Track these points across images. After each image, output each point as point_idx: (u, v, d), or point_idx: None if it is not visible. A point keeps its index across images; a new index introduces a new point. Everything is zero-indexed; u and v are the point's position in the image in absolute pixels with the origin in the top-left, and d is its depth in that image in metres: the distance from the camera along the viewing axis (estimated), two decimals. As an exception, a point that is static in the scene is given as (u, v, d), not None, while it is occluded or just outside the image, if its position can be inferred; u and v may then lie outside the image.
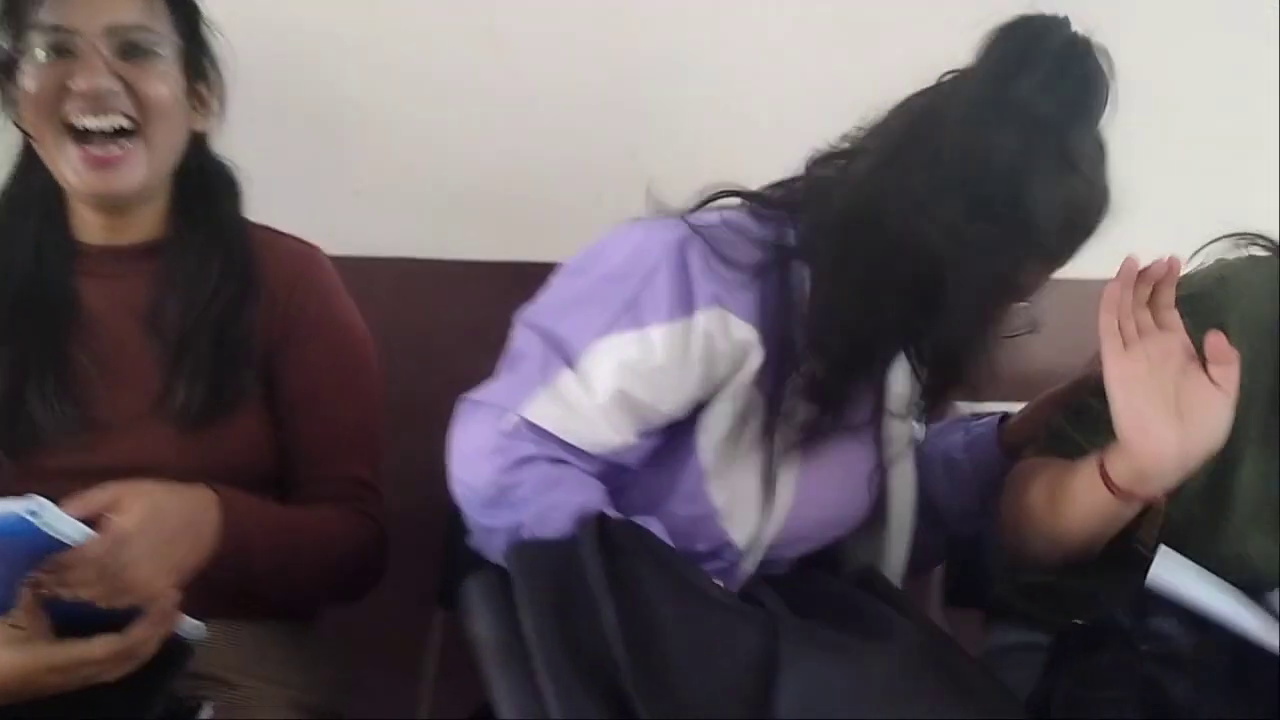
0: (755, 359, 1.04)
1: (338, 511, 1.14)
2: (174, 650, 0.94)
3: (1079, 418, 1.12)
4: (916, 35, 1.34)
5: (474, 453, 1.04)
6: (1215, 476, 1.08)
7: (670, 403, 1.05)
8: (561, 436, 1.04)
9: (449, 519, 1.25)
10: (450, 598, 1.10)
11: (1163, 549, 1.03)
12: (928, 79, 1.04)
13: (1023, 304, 1.05)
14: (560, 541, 0.98)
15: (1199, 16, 1.63)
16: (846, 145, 1.08)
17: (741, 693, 0.90)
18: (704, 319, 1.02)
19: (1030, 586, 1.24)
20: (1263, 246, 1.15)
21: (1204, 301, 1.07)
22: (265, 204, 1.20)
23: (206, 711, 1.00)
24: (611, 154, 1.43)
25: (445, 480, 1.14)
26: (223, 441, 1.10)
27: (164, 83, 1.09)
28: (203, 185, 1.16)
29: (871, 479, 1.16)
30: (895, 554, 1.19)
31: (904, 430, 1.17)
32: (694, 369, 1.04)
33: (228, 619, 1.08)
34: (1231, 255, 1.15)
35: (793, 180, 1.10)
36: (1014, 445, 1.22)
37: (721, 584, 1.03)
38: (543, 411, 1.03)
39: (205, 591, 0.97)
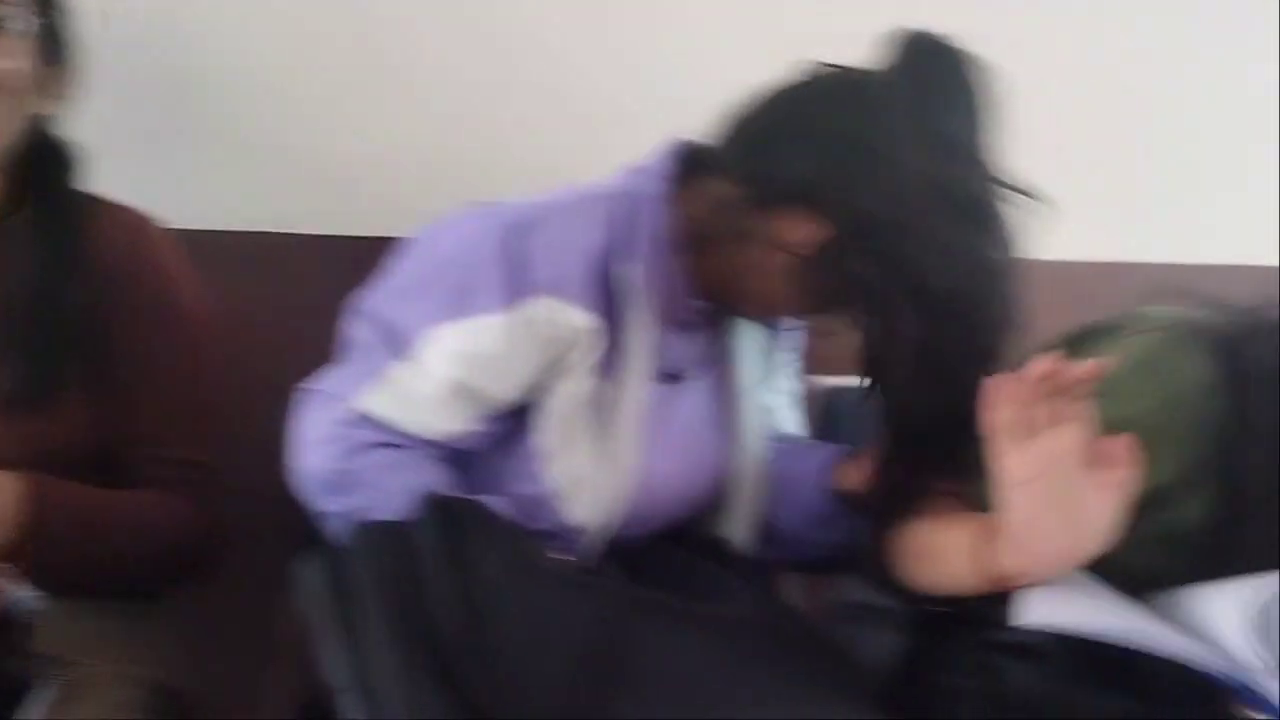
0: (595, 344, 1.06)
1: (165, 496, 1.12)
2: (6, 627, 0.93)
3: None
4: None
5: (312, 441, 1.06)
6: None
7: (507, 389, 1.06)
8: (399, 426, 1.05)
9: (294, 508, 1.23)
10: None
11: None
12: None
13: None
14: (400, 522, 0.98)
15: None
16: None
17: (572, 663, 0.91)
18: (537, 306, 1.04)
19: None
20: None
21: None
22: (111, 177, 1.18)
23: (45, 690, 0.99)
24: (467, 134, 1.42)
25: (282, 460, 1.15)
26: (44, 424, 1.07)
27: (10, 59, 1.05)
28: (40, 165, 1.12)
29: (720, 460, 1.19)
30: (740, 528, 1.21)
31: (754, 413, 1.20)
32: (529, 356, 1.05)
33: (69, 598, 1.06)
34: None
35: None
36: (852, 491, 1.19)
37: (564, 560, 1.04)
38: (378, 401, 1.05)
39: (43, 570, 0.95)
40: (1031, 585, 0.93)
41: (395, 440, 1.05)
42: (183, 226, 1.21)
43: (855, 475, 1.17)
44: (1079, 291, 1.61)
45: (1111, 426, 0.91)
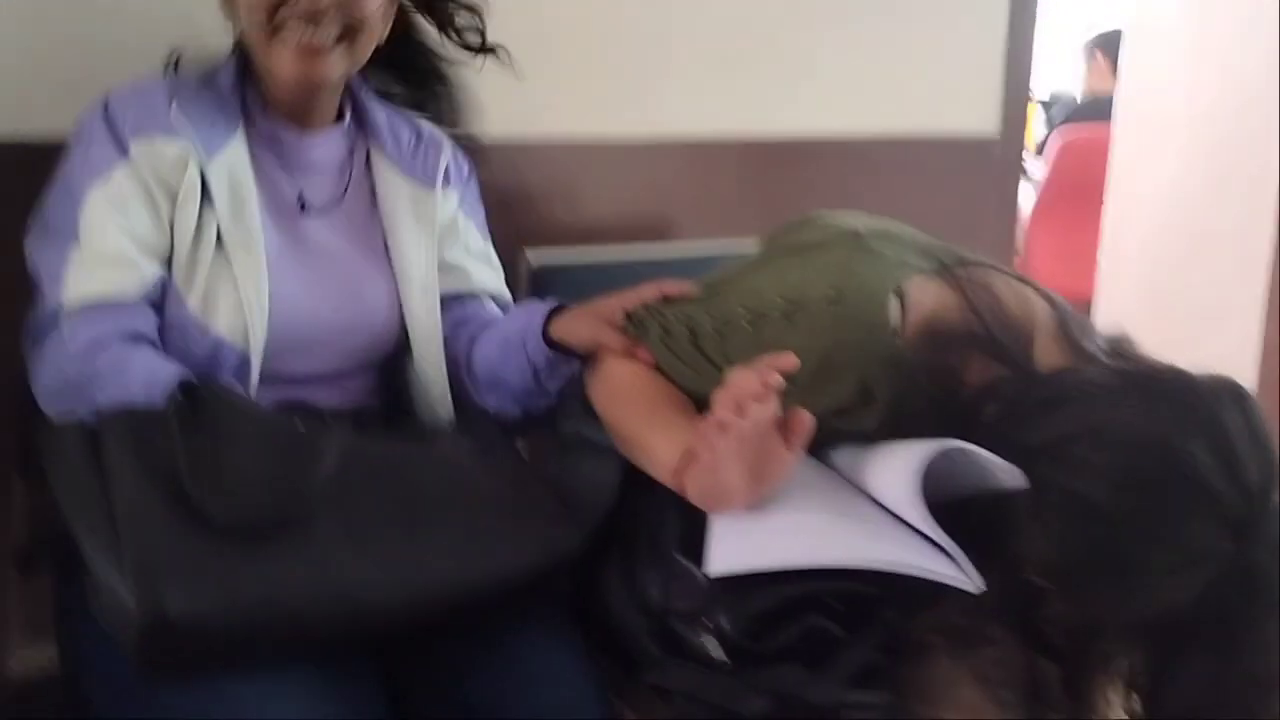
0: (193, 168, 1.21)
1: None
2: None
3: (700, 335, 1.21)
4: None
5: (46, 360, 1.17)
6: None
7: (161, 224, 1.21)
8: (106, 299, 1.17)
9: (24, 390, 1.28)
10: (28, 468, 1.19)
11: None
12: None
13: None
14: (145, 404, 1.10)
15: None
16: None
17: (287, 473, 1.04)
18: (136, 149, 1.20)
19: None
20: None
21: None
22: None
23: None
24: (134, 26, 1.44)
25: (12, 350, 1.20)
26: None
27: None
28: None
29: (372, 292, 1.33)
30: (432, 381, 1.36)
31: (412, 245, 1.35)
32: (157, 189, 1.20)
33: None
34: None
35: None
36: (557, 342, 1.32)
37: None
38: (76, 286, 1.17)
39: None
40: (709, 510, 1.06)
41: (118, 327, 1.17)
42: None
43: (569, 326, 1.31)
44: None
45: (806, 356, 1.06)
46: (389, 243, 1.35)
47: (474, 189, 1.47)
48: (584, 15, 1.79)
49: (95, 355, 1.15)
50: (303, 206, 1.31)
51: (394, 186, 1.37)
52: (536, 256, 1.61)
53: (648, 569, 1.13)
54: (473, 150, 1.48)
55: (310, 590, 1.00)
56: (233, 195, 1.23)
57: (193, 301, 1.22)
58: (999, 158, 2.14)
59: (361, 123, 1.38)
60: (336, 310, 1.30)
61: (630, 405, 1.21)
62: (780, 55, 1.90)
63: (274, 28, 1.21)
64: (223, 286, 1.22)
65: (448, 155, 1.42)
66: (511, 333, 1.36)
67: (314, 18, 1.20)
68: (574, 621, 1.19)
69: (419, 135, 1.42)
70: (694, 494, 1.07)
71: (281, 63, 1.22)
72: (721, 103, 1.85)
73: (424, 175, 1.38)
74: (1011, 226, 2.20)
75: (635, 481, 1.17)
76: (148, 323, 1.20)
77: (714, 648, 1.06)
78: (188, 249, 1.21)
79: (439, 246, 1.40)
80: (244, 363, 1.23)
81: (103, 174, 1.19)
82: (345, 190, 1.35)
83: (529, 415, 1.40)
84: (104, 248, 1.18)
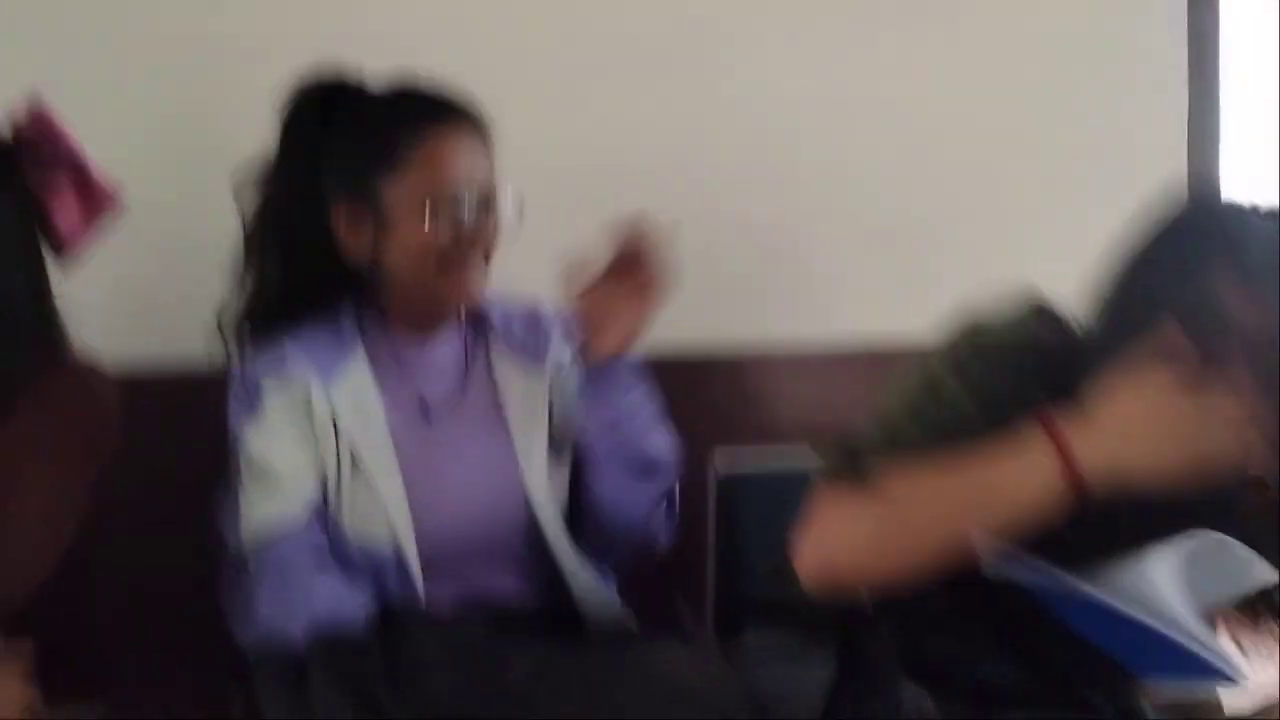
0: (319, 395, 1.31)
1: None
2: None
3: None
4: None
5: (245, 614, 1.27)
6: None
7: (309, 450, 1.31)
8: (279, 520, 1.27)
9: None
10: (244, 677, 1.27)
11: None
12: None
13: None
14: (346, 629, 1.19)
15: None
16: None
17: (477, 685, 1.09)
18: (269, 386, 1.31)
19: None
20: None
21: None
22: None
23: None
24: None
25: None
26: None
27: None
28: None
29: (502, 479, 1.37)
30: (560, 555, 1.37)
31: (529, 423, 1.39)
32: (297, 417, 1.31)
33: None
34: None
35: None
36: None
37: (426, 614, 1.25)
38: (253, 518, 1.28)
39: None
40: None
41: (290, 550, 1.27)
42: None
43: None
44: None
45: None
46: (509, 428, 1.40)
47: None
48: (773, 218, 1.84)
49: (284, 580, 1.25)
50: (426, 410, 1.38)
51: (509, 372, 1.42)
52: (724, 464, 1.61)
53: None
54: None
55: None
56: (359, 415, 1.33)
57: (346, 521, 1.30)
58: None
59: (476, 318, 1.44)
60: (468, 501, 1.35)
61: (927, 475, 1.05)
62: (959, 257, 1.91)
63: (444, 265, 1.32)
64: (365, 501, 1.31)
65: (558, 325, 1.45)
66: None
67: (478, 251, 1.33)
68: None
69: (533, 318, 1.46)
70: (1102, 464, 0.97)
71: (452, 291, 1.34)
72: (903, 307, 1.84)
73: (534, 351, 1.44)
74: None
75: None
76: (320, 539, 1.29)
77: None
78: (334, 472, 1.31)
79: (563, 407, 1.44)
80: (403, 568, 1.30)
81: (252, 415, 1.31)
82: (462, 385, 1.41)
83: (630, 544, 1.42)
84: (267, 472, 1.29)
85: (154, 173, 1.55)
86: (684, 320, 1.52)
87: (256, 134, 1.40)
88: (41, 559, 1.20)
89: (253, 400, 1.32)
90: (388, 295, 1.37)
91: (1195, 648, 0.94)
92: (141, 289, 1.61)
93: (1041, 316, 1.13)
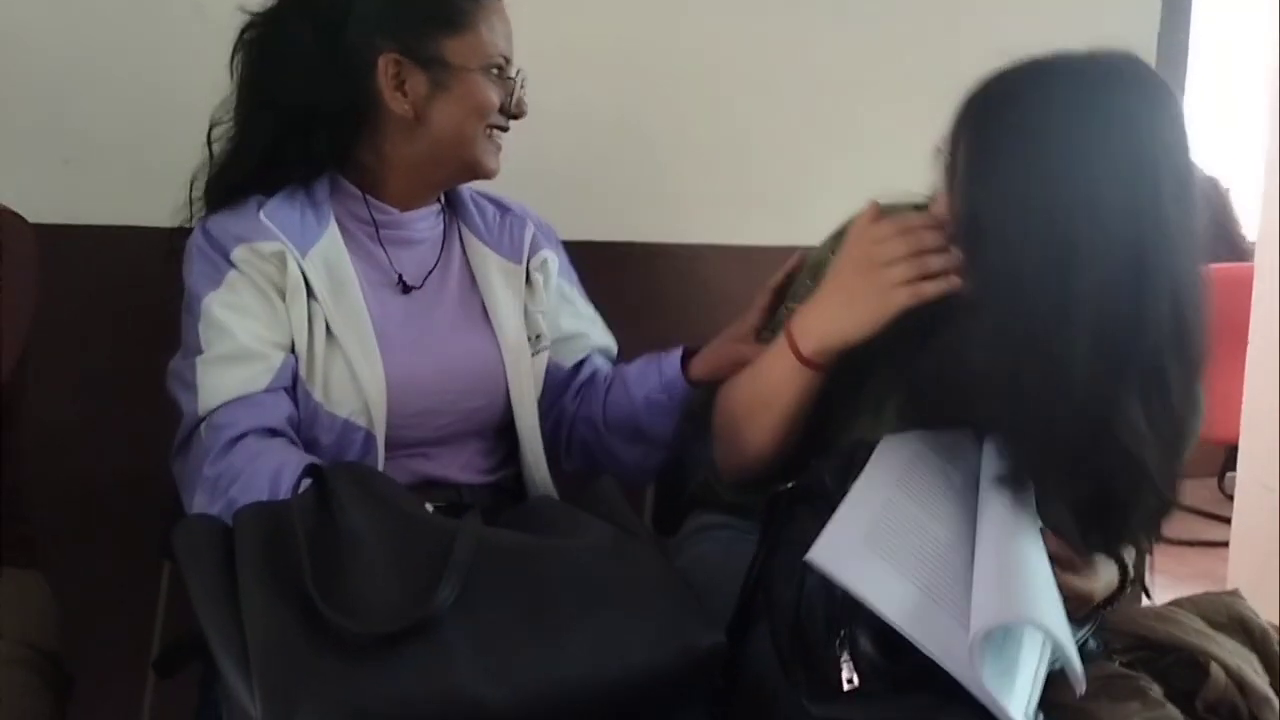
0: (292, 264, 1.27)
1: None
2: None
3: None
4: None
5: (193, 483, 1.21)
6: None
7: (278, 320, 1.27)
8: (243, 393, 1.22)
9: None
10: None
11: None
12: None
13: None
14: (273, 502, 1.12)
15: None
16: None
17: (414, 583, 1.01)
18: (239, 255, 1.27)
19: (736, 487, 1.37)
20: None
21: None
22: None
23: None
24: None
25: (158, 444, 1.22)
26: None
27: None
28: None
29: (481, 360, 1.38)
30: (529, 448, 1.40)
31: (508, 314, 1.40)
32: (269, 291, 1.27)
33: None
34: None
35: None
36: (701, 378, 1.42)
37: (430, 507, 1.15)
38: (208, 394, 1.22)
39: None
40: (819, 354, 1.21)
41: (255, 423, 1.21)
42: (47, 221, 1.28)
43: (710, 360, 1.42)
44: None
45: None
46: (489, 312, 1.40)
47: (565, 255, 1.53)
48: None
49: (229, 451, 1.19)
50: (404, 284, 1.37)
51: (485, 260, 1.43)
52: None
53: (783, 606, 1.08)
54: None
55: (440, 707, 0.97)
56: (333, 283, 1.30)
57: (317, 391, 1.27)
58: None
59: (450, 204, 1.45)
60: (452, 378, 1.35)
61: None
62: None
63: (491, 128, 1.35)
64: (340, 370, 1.28)
65: (532, 227, 1.48)
66: (651, 384, 1.43)
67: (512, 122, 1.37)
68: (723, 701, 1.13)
69: (502, 211, 1.49)
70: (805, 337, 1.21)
71: (488, 158, 1.36)
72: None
73: (510, 250, 1.45)
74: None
75: (771, 554, 1.14)
76: (280, 413, 1.25)
77: (848, 669, 1.01)
78: (305, 342, 1.27)
79: (555, 315, 1.47)
80: (369, 439, 1.28)
81: (215, 283, 1.26)
82: (437, 264, 1.40)
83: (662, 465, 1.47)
84: (228, 348, 1.24)
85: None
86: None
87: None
88: None
89: (219, 266, 1.27)
90: (387, 161, 1.35)
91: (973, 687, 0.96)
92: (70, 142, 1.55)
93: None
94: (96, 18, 1.53)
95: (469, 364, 1.37)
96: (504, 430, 1.42)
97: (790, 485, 1.16)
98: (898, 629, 0.97)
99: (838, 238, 1.29)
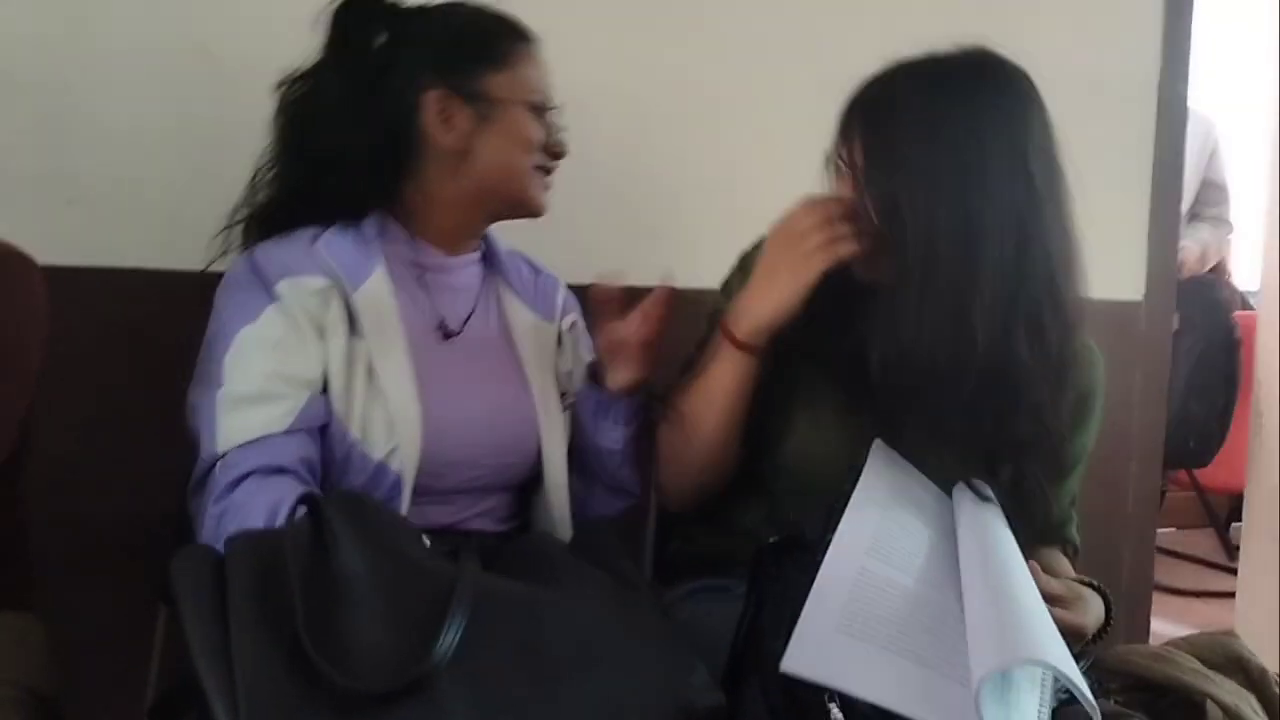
0: (336, 299, 1.27)
1: None
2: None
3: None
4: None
5: (202, 523, 1.20)
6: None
7: (308, 359, 1.25)
8: (262, 435, 1.20)
9: (176, 520, 1.31)
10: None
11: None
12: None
13: None
14: (269, 530, 1.10)
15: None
16: None
17: (409, 635, 0.97)
18: (284, 288, 1.26)
19: (710, 545, 1.40)
20: None
21: None
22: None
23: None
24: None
25: (160, 485, 1.22)
26: None
27: None
28: None
29: (515, 412, 1.37)
30: (556, 505, 1.38)
31: (540, 368, 1.41)
32: (306, 328, 1.25)
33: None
34: None
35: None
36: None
37: (427, 541, 1.11)
38: (230, 432, 1.21)
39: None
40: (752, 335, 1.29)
41: (264, 463, 1.19)
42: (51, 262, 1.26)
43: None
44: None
45: None
46: (522, 366, 1.41)
47: (581, 312, 1.53)
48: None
49: (233, 490, 1.19)
50: (445, 329, 1.37)
51: (520, 315, 1.44)
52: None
53: (773, 663, 1.05)
54: None
55: None
56: (379, 324, 1.28)
57: (353, 430, 1.26)
58: (1146, 323, 2.11)
59: (488, 257, 1.46)
60: (489, 430, 1.35)
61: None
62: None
63: (540, 167, 1.37)
64: (377, 412, 1.26)
65: (564, 290, 1.51)
66: (591, 420, 1.42)
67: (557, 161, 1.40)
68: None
69: (535, 271, 1.51)
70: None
71: (537, 192, 1.38)
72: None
73: (544, 308, 1.47)
74: (1161, 390, 2.13)
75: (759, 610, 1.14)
76: (292, 453, 1.22)
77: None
78: (342, 380, 1.26)
79: (569, 366, 1.47)
80: (398, 484, 1.26)
81: (251, 316, 1.25)
82: (474, 312, 1.40)
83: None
84: (252, 388, 1.22)
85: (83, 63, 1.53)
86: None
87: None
88: None
89: (258, 299, 1.26)
90: (433, 199, 1.36)
91: None
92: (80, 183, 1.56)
93: None
94: (99, 59, 1.55)
95: (506, 418, 1.38)
96: (526, 485, 1.41)
97: (773, 540, 1.16)
98: (896, 711, 0.96)
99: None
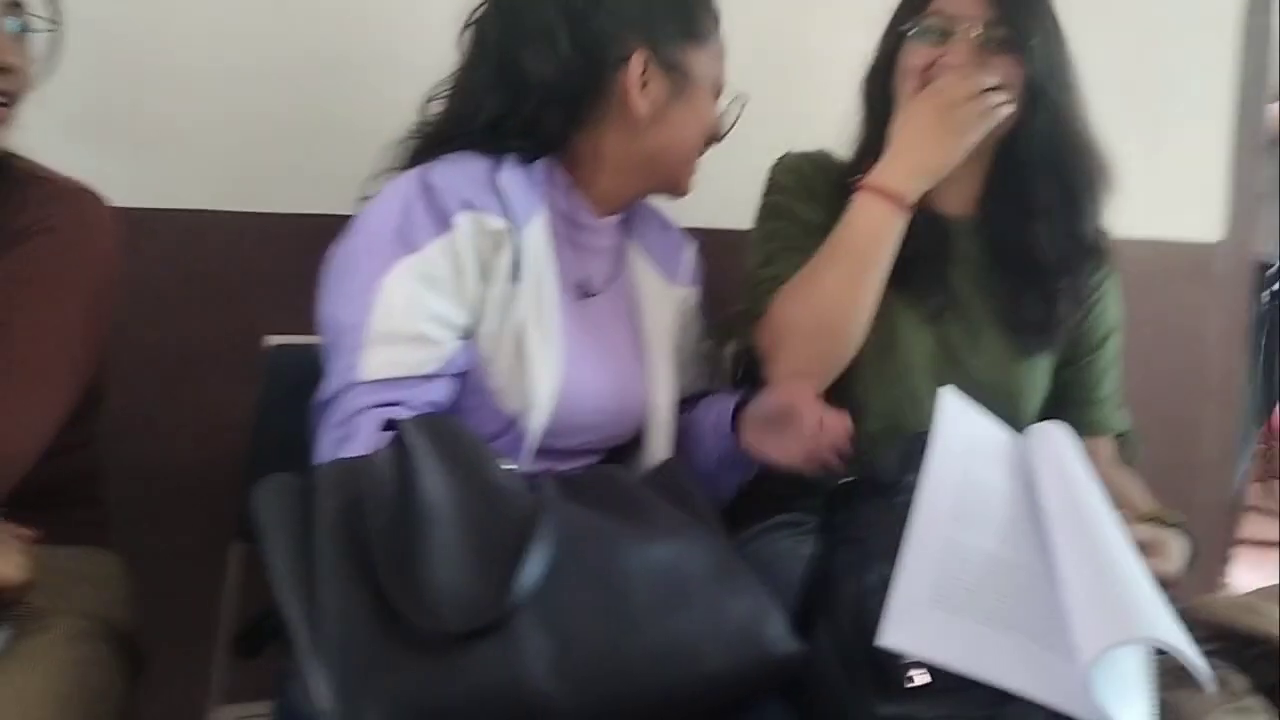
0: (509, 244, 1.21)
1: None
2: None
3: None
4: None
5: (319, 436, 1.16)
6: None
7: (466, 303, 1.21)
8: (398, 375, 1.16)
9: (247, 460, 1.33)
10: (247, 532, 1.18)
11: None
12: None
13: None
14: (356, 457, 1.07)
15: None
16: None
17: (490, 570, 0.97)
18: (463, 222, 1.20)
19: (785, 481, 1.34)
20: None
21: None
22: (50, 154, 1.25)
23: (2, 633, 1.07)
24: (390, 112, 1.44)
25: (235, 426, 1.23)
26: None
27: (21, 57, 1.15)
28: None
29: (637, 378, 1.33)
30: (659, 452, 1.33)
31: (659, 334, 1.36)
32: (471, 268, 1.20)
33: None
34: None
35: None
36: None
37: (514, 466, 1.09)
38: (373, 366, 1.16)
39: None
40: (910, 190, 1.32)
41: (390, 398, 1.16)
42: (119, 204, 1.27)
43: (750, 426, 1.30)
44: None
45: None
46: (643, 337, 1.37)
47: (701, 285, 1.49)
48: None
49: (358, 416, 1.15)
50: (584, 291, 1.33)
51: (649, 280, 1.40)
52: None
53: (845, 604, 1.09)
54: None
55: (507, 702, 0.95)
56: (537, 275, 1.24)
57: (494, 380, 1.22)
58: (1223, 263, 2.04)
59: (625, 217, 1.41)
60: (616, 395, 1.31)
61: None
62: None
63: (705, 145, 1.36)
64: (520, 366, 1.22)
65: (691, 252, 1.46)
66: (704, 421, 1.37)
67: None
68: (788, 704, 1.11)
69: (666, 228, 1.46)
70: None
71: (692, 177, 1.37)
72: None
73: (671, 271, 1.42)
74: (1241, 334, 2.07)
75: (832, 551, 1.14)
76: (429, 396, 1.18)
77: (919, 673, 1.00)
78: (495, 327, 1.22)
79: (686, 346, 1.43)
80: (522, 439, 1.22)
81: (416, 248, 1.18)
82: (610, 275, 1.37)
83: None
84: (405, 326, 1.17)
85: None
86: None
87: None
88: (42, 416, 1.13)
89: (427, 228, 1.19)
90: (603, 157, 1.31)
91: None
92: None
93: (821, 151, 1.49)
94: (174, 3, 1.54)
95: (632, 388, 1.33)
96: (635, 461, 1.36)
97: (849, 479, 1.16)
98: (1003, 689, 0.95)
99: None
